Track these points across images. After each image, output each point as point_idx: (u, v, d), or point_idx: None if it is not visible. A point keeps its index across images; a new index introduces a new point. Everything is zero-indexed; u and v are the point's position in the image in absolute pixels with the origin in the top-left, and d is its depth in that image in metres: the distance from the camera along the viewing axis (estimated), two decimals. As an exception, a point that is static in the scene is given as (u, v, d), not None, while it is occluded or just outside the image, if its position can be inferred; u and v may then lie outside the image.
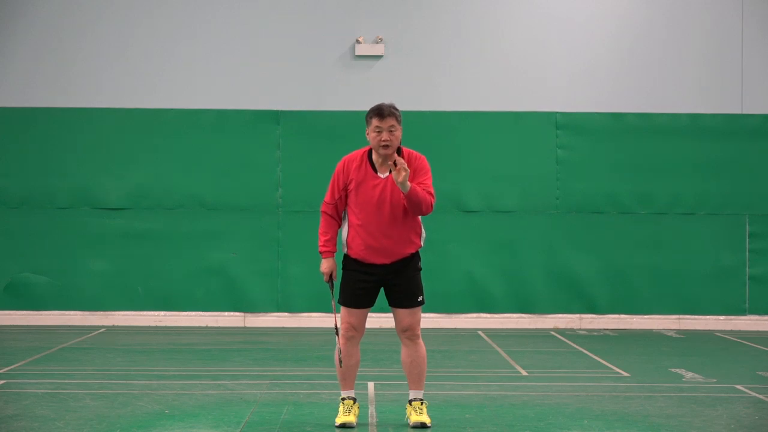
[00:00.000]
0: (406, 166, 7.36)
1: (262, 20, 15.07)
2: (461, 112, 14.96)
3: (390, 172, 7.58)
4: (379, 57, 15.07)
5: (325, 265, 7.76)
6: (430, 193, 7.58)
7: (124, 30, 15.04)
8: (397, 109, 7.60)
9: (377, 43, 15.03)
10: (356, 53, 15.03)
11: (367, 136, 7.60)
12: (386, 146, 7.52)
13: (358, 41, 15.01)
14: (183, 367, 10.86)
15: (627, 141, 14.96)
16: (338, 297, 7.79)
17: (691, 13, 15.13)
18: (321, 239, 7.74)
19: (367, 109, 7.66)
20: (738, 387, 9.70)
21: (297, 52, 15.06)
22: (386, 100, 7.89)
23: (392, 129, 7.53)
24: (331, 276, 7.76)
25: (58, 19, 14.98)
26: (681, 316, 14.88)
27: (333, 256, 7.76)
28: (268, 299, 14.83)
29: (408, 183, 7.40)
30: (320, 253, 7.75)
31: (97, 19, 15.02)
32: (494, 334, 14.10)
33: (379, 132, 7.53)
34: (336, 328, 7.75)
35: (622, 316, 14.89)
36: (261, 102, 14.98)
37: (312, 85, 15.05)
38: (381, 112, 7.54)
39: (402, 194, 7.49)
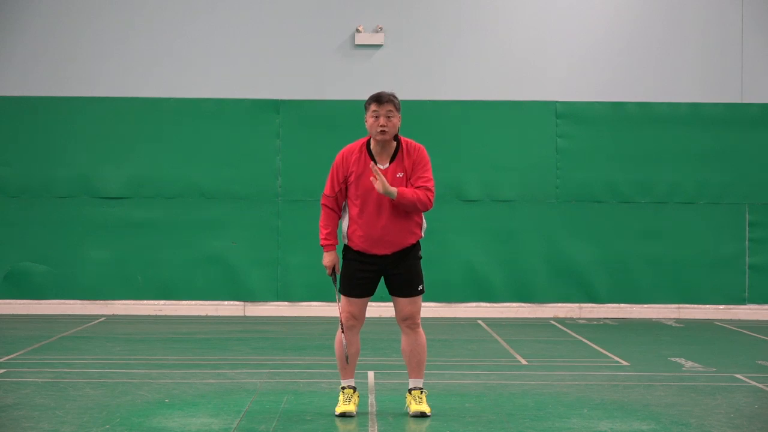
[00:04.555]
0: (380, 175, 7.34)
1: (262, 9, 15.04)
2: (461, 101, 14.95)
3: (390, 163, 7.57)
4: (379, 46, 15.05)
5: (327, 258, 7.73)
6: (428, 189, 7.54)
7: (124, 19, 15.02)
8: (396, 97, 7.58)
9: (377, 32, 15.01)
10: (356, 42, 15.01)
11: (366, 123, 7.57)
12: (383, 131, 7.50)
13: (358, 30, 14.99)
14: (183, 356, 10.87)
15: (627, 130, 14.95)
16: (339, 287, 7.78)
17: (690, 1, 15.11)
18: (322, 232, 7.71)
19: (367, 98, 7.64)
20: (737, 376, 9.70)
21: (297, 42, 15.04)
22: (386, 89, 7.86)
23: (390, 115, 7.50)
24: (333, 269, 7.74)
25: (58, 8, 14.96)
26: (681, 306, 14.89)
27: (335, 249, 7.73)
28: (268, 288, 14.83)
29: (393, 190, 7.39)
30: (322, 246, 7.73)
31: (97, 9, 15.00)
32: (494, 323, 14.10)
33: (376, 117, 7.51)
34: (341, 322, 7.72)
35: (622, 305, 14.90)
36: (261, 91, 14.97)
37: (312, 75, 15.04)
38: (379, 98, 7.53)
39: (400, 186, 7.50)
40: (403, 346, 7.79)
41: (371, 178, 7.43)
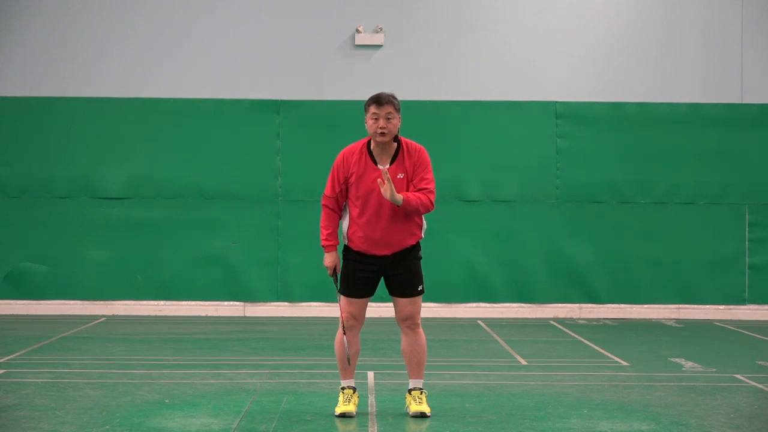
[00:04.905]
0: (390, 181, 7.35)
1: (262, 9, 15.05)
2: (461, 102, 14.95)
3: (391, 164, 7.57)
4: (379, 46, 15.05)
5: (329, 259, 7.73)
6: (430, 191, 7.55)
7: (124, 19, 15.02)
8: (395, 98, 7.58)
9: (377, 32, 15.01)
10: (356, 43, 15.02)
11: (366, 124, 7.57)
12: (383, 133, 7.50)
13: (357, 31, 14.99)
14: (183, 357, 10.87)
15: (627, 130, 14.96)
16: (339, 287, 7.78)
17: (690, 1, 15.11)
18: (323, 233, 7.71)
19: (367, 98, 7.64)
20: (737, 376, 9.70)
21: (297, 42, 15.04)
22: (386, 90, 7.87)
23: (389, 116, 7.50)
24: (335, 270, 7.74)
25: (58, 8, 14.96)
26: (680, 306, 14.89)
27: (336, 250, 7.73)
28: (268, 288, 14.83)
29: (398, 196, 7.39)
30: (323, 247, 7.72)
31: (97, 9, 15.00)
32: (494, 323, 14.10)
33: (376, 119, 7.51)
34: (343, 323, 7.72)
35: (622, 305, 14.90)
36: (261, 91, 14.97)
37: (312, 75, 15.04)
38: (379, 99, 7.53)
39: (401, 187, 7.51)
40: (403, 347, 7.79)
41: (378, 180, 7.42)
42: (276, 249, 14.84)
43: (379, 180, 7.41)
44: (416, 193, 7.51)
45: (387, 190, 7.36)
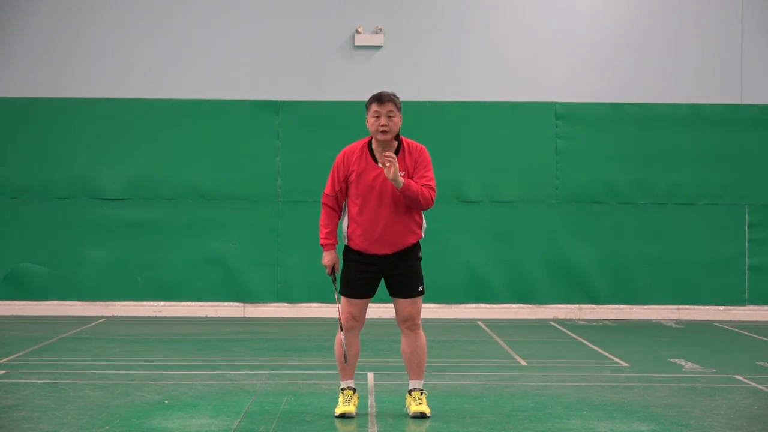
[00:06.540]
0: (395, 160, 7.35)
1: (262, 9, 15.05)
2: (461, 102, 14.95)
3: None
4: (378, 47, 15.05)
5: (327, 258, 7.74)
6: (431, 187, 7.56)
7: (124, 20, 15.02)
8: (397, 97, 7.60)
9: (377, 33, 15.01)
10: (356, 43, 15.02)
11: (367, 123, 7.59)
12: (384, 131, 7.51)
13: (357, 31, 14.99)
14: (182, 357, 10.87)
15: (626, 131, 14.95)
16: (339, 288, 7.78)
17: (690, 2, 15.11)
18: (322, 232, 7.72)
19: (367, 98, 7.66)
20: (737, 377, 9.70)
21: (296, 42, 15.04)
22: (386, 90, 7.87)
23: (391, 114, 7.52)
24: (333, 269, 7.74)
25: (58, 8, 14.96)
26: (680, 306, 14.89)
27: (334, 249, 7.74)
28: (268, 289, 14.83)
29: (400, 179, 7.39)
30: (321, 246, 7.73)
31: (97, 10, 15.00)
32: (494, 324, 14.10)
33: (377, 117, 7.52)
34: (340, 322, 7.73)
35: (622, 306, 14.90)
36: (260, 92, 14.97)
37: (311, 76, 15.04)
38: (380, 97, 7.55)
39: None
40: (403, 348, 7.79)
41: (381, 162, 7.42)
42: (276, 249, 14.84)
43: (383, 160, 7.38)
44: (418, 185, 7.51)
45: (391, 169, 7.34)
